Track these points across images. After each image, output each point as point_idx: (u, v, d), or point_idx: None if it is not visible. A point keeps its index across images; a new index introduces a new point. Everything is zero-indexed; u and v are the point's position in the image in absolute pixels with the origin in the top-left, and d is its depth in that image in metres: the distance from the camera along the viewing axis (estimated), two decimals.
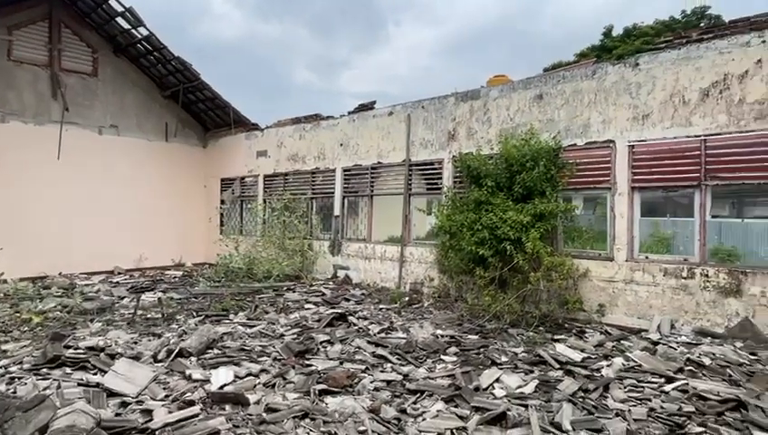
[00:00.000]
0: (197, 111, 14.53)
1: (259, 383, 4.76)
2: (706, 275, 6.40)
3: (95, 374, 4.85)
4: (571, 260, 7.26)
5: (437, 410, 4.13)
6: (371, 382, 4.82)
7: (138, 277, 11.86)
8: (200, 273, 12.59)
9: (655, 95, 6.95)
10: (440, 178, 9.45)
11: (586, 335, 6.56)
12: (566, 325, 6.99)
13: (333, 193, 11.46)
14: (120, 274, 12.33)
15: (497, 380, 4.87)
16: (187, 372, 4.93)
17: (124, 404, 4.21)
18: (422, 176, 10.30)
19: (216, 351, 5.75)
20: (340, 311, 7.68)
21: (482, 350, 5.89)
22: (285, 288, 10.07)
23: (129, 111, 13.24)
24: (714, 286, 6.34)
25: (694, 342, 6.10)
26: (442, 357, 5.66)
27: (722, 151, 6.41)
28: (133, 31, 11.97)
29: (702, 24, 19.15)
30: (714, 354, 5.55)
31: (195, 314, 7.68)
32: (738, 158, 6.30)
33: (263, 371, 5.10)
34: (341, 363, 5.41)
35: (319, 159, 11.82)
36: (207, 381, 4.73)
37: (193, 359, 5.41)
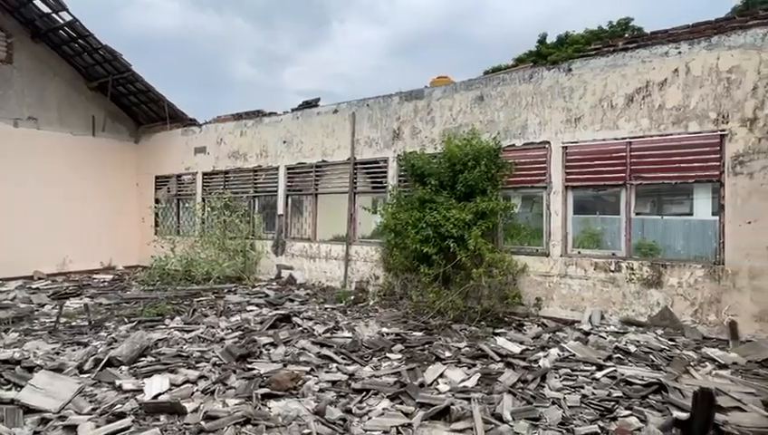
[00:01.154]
0: (129, 104, 13.66)
1: (197, 391, 4.54)
2: (632, 269, 6.87)
3: (9, 390, 4.41)
4: (511, 256, 7.54)
5: (383, 409, 4.13)
6: (316, 384, 4.74)
7: (61, 282, 10.96)
8: (132, 276, 11.86)
9: (586, 99, 7.36)
10: (385, 177, 9.48)
11: (525, 328, 6.83)
12: (506, 319, 7.25)
13: (277, 191, 11.19)
14: (40, 279, 11.33)
15: (441, 375, 4.95)
16: (117, 382, 4.60)
17: (44, 421, 3.85)
18: (367, 174, 10.30)
19: (149, 358, 5.42)
20: (284, 312, 7.50)
21: (426, 346, 5.96)
22: (226, 290, 9.71)
23: (50, 102, 12.19)
24: (638, 279, 6.82)
25: (621, 331, 6.52)
26: (387, 355, 5.67)
27: (644, 153, 6.90)
28: (54, 15, 11.02)
29: (626, 35, 20.52)
30: (638, 342, 5.96)
31: (126, 320, 7.21)
32: (658, 159, 6.81)
33: (201, 377, 4.87)
34: (285, 366, 5.28)
35: (261, 156, 11.49)
36: (140, 391, 4.43)
37: (124, 368, 5.07)
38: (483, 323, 7.02)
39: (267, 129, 11.46)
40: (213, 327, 6.85)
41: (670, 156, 6.72)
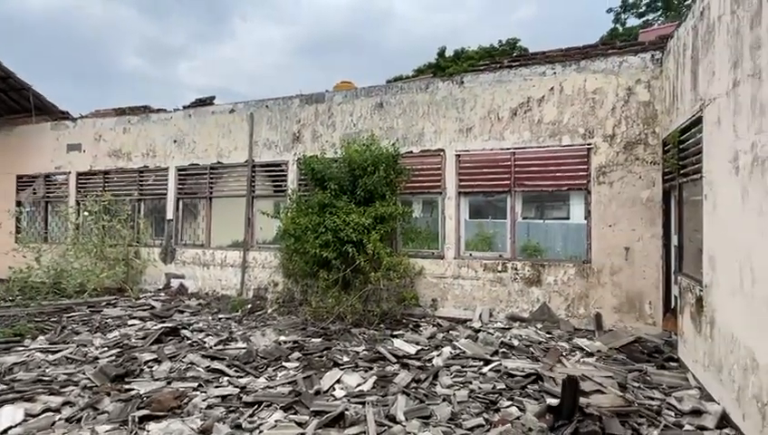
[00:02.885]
0: None
1: (60, 419, 4.00)
2: (516, 269, 7.45)
3: None
4: (408, 259, 7.77)
5: (276, 421, 3.98)
6: (204, 400, 4.43)
7: None
8: None
9: (476, 111, 7.86)
10: (285, 181, 9.25)
11: (421, 329, 7.06)
12: (404, 321, 7.44)
13: (166, 194, 10.36)
14: None
15: (338, 381, 4.92)
16: None
17: None
18: (267, 178, 9.95)
19: (0, 386, 4.67)
20: (171, 325, 6.94)
21: (325, 352, 5.89)
22: (105, 303, 8.74)
23: None
24: (521, 278, 7.41)
25: (507, 327, 7.03)
26: (284, 364, 5.50)
27: (526, 163, 7.54)
28: None
29: (515, 54, 22.42)
30: (521, 336, 6.47)
31: None
32: (538, 168, 7.48)
33: (66, 403, 4.31)
34: (170, 383, 4.88)
35: (148, 156, 10.58)
36: None
37: None
38: (382, 325, 7.13)
39: (155, 126, 10.58)
40: (85, 346, 6.12)
41: (548, 166, 7.42)
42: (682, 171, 5.68)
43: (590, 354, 5.76)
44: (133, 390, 4.66)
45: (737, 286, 3.78)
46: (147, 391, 4.62)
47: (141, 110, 10.91)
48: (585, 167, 7.16)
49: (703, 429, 3.83)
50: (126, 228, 10.10)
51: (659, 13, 27.07)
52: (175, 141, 10.31)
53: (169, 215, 10.27)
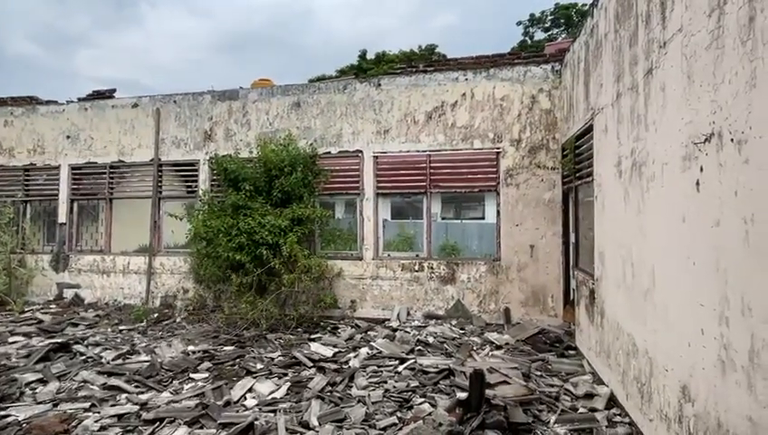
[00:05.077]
0: None
1: None
2: (432, 268, 7.66)
3: None
4: (326, 261, 7.69)
5: None
6: (96, 422, 4.03)
7: None
8: None
9: (393, 113, 7.97)
10: (196, 181, 8.74)
11: (339, 331, 7.00)
12: (322, 324, 7.34)
13: (57, 195, 9.34)
14: None
15: (250, 389, 4.72)
16: None
17: None
18: (176, 178, 9.33)
19: None
20: (61, 340, 6.25)
21: (237, 360, 5.64)
22: None
23: None
24: (437, 276, 7.63)
25: (423, 325, 7.19)
26: (192, 375, 5.18)
27: (441, 165, 7.78)
28: None
29: (433, 59, 23.15)
30: (436, 333, 6.65)
31: None
32: (451, 170, 7.75)
33: None
34: (56, 406, 4.38)
35: (35, 152, 9.48)
36: None
37: None
38: (299, 329, 6.98)
39: (44, 120, 9.50)
40: None
41: (461, 168, 7.72)
42: (577, 174, 6.17)
43: (499, 347, 6.07)
44: (10, 416, 4.13)
45: (621, 279, 4.17)
46: (27, 416, 4.11)
47: (27, 101, 9.75)
48: (495, 169, 7.54)
49: (594, 410, 4.18)
50: (8, 234, 8.96)
51: (562, 28, 29.45)
52: (68, 137, 9.34)
53: (62, 218, 9.27)
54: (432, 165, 7.78)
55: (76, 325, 7.39)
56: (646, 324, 3.57)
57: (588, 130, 5.48)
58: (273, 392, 4.62)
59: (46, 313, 8.15)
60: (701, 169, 2.69)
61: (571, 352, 5.89)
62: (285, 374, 5.14)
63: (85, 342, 6.39)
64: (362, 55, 28.51)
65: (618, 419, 4.04)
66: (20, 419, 4.09)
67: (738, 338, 2.32)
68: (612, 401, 4.33)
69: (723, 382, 2.45)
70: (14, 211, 9.36)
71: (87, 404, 4.41)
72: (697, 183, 2.73)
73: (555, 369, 5.24)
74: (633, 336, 3.88)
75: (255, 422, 3.83)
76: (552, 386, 4.73)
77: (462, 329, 6.93)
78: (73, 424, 3.97)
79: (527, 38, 30.83)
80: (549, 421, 3.97)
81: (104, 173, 9.20)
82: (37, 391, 4.77)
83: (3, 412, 4.21)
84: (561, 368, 5.26)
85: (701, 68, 2.70)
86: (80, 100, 9.53)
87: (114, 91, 9.51)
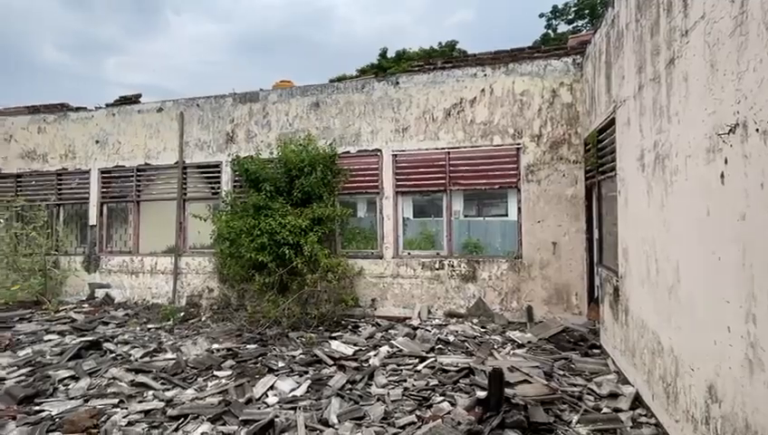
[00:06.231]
0: None
1: None
2: (452, 266, 7.61)
3: None
4: (347, 260, 7.73)
5: (202, 433, 3.81)
6: (124, 417, 4.16)
7: None
8: None
9: (412, 111, 7.94)
10: (219, 182, 8.92)
11: (360, 329, 7.03)
12: (343, 322, 7.38)
13: (88, 199, 9.67)
14: None
15: (272, 387, 4.79)
16: None
17: None
18: (200, 179, 9.55)
19: None
20: (92, 338, 6.48)
21: (260, 358, 5.73)
22: (17, 318, 8.02)
23: None
24: (458, 275, 7.57)
25: (444, 323, 7.16)
26: (215, 373, 5.29)
27: (460, 162, 7.71)
28: None
29: (454, 55, 22.98)
30: (457, 332, 6.61)
31: None
32: (471, 168, 7.68)
33: None
34: (87, 401, 4.55)
35: (67, 157, 9.84)
36: None
37: None
38: (320, 328, 7.04)
39: (75, 126, 9.85)
40: None
41: (480, 165, 7.64)
42: (600, 169, 6.03)
43: (521, 346, 5.99)
44: (44, 411, 4.31)
45: (645, 276, 4.05)
46: (59, 411, 4.29)
47: (58, 108, 10.12)
48: (515, 166, 7.43)
49: (618, 410, 4.08)
50: (42, 236, 9.34)
51: (586, 20, 28.74)
52: (97, 142, 9.66)
53: (92, 221, 9.60)
54: (451, 162, 7.73)
55: (107, 324, 7.64)
56: (670, 322, 3.46)
57: (610, 124, 5.35)
58: (293, 390, 4.68)
59: (79, 312, 8.46)
60: (725, 162, 2.59)
61: (596, 350, 5.76)
62: (306, 372, 5.20)
63: (115, 340, 6.61)
64: (383, 54, 28.49)
65: (643, 419, 3.93)
66: (53, 413, 4.25)
67: (766, 336, 2.22)
68: (638, 401, 4.21)
69: (750, 382, 2.36)
70: (47, 214, 9.74)
71: (115, 400, 4.56)
72: (722, 176, 2.63)
73: (579, 368, 5.14)
74: (658, 334, 3.76)
75: (276, 419, 3.89)
76: (575, 385, 4.64)
77: (483, 327, 6.87)
78: (102, 419, 4.11)
79: (550, 31, 30.20)
80: (571, 421, 3.89)
81: (131, 176, 9.48)
82: (69, 387, 4.95)
83: (37, 407, 4.39)
84: (585, 367, 5.15)
85: (724, 56, 2.60)
86: (107, 105, 9.84)
87: (139, 96, 9.78)
